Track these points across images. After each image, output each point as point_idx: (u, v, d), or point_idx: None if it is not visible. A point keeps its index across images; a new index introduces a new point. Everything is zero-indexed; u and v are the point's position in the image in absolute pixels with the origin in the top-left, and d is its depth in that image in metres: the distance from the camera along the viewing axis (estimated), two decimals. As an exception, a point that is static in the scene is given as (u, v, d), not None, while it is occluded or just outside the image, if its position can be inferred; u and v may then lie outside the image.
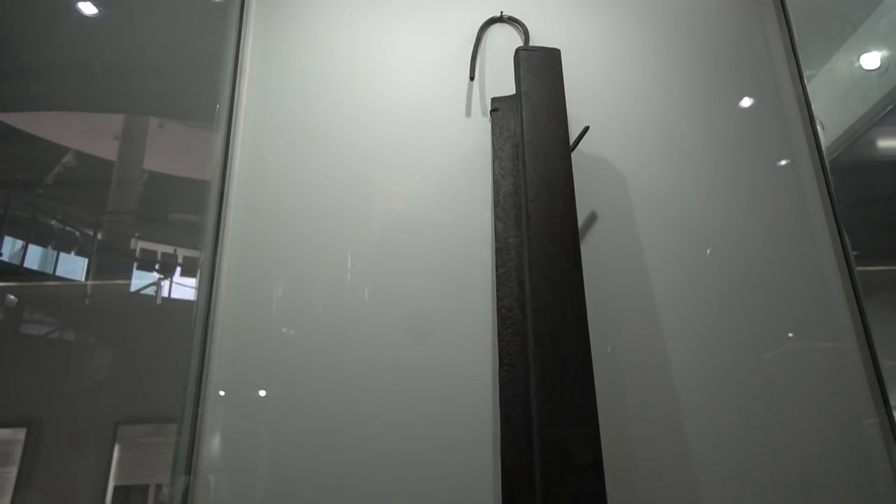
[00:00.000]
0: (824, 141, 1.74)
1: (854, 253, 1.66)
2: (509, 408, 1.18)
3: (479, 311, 1.47)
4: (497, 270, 1.33)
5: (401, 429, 1.38)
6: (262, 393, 1.45)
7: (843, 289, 1.59)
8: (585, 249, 1.44)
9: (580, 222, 1.45)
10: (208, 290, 1.53)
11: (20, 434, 4.27)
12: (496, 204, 1.41)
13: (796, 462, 1.41)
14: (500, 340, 1.25)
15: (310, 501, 1.32)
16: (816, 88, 1.82)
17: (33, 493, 4.21)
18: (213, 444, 1.39)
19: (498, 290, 1.31)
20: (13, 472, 4.22)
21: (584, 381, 1.15)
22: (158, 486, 4.19)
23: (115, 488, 4.20)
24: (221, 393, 1.45)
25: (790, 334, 1.55)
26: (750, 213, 1.65)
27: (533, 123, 1.27)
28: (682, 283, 1.53)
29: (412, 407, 1.39)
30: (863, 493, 1.38)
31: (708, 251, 1.59)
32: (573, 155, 1.41)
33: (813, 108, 1.77)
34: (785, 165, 1.71)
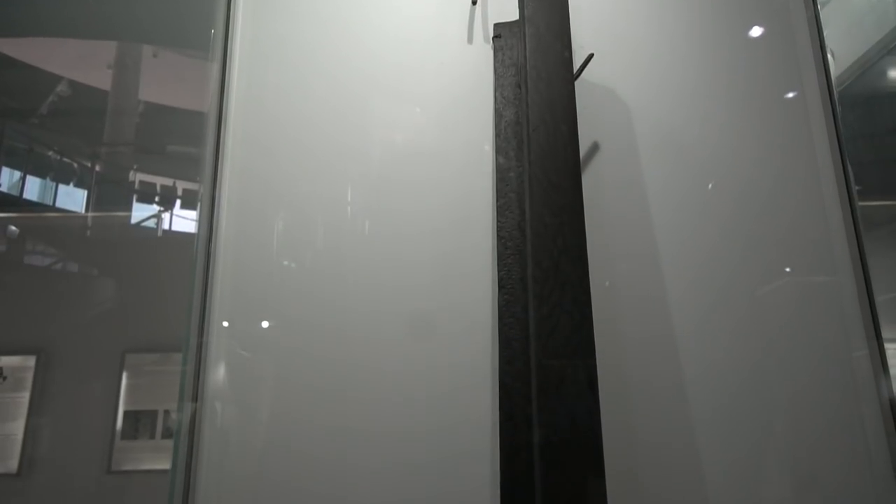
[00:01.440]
0: (834, 71, 1.69)
1: (857, 188, 1.65)
2: (508, 329, 1.21)
3: (479, 240, 1.48)
4: (497, 201, 1.33)
5: (400, 350, 1.41)
6: (265, 324, 1.48)
7: (844, 224, 1.58)
8: (587, 180, 1.43)
9: (582, 153, 1.44)
10: (208, 222, 1.53)
11: (30, 361, 4.39)
12: (497, 135, 1.39)
13: (784, 389, 1.45)
14: (500, 269, 1.27)
15: (314, 423, 1.36)
16: (829, 14, 1.76)
17: (46, 416, 4.36)
18: (218, 373, 1.42)
19: (498, 220, 1.32)
20: (25, 396, 4.36)
21: (581, 303, 1.16)
22: (166, 412, 4.33)
23: (125, 413, 4.35)
24: (225, 324, 1.47)
25: (787, 269, 1.56)
26: (754, 144, 1.62)
27: (537, 48, 1.23)
28: (682, 216, 1.53)
29: (412, 330, 1.42)
30: (849, 419, 1.42)
31: (710, 185, 1.58)
32: (577, 84, 1.38)
33: (825, 34, 1.71)
34: (792, 96, 1.67)
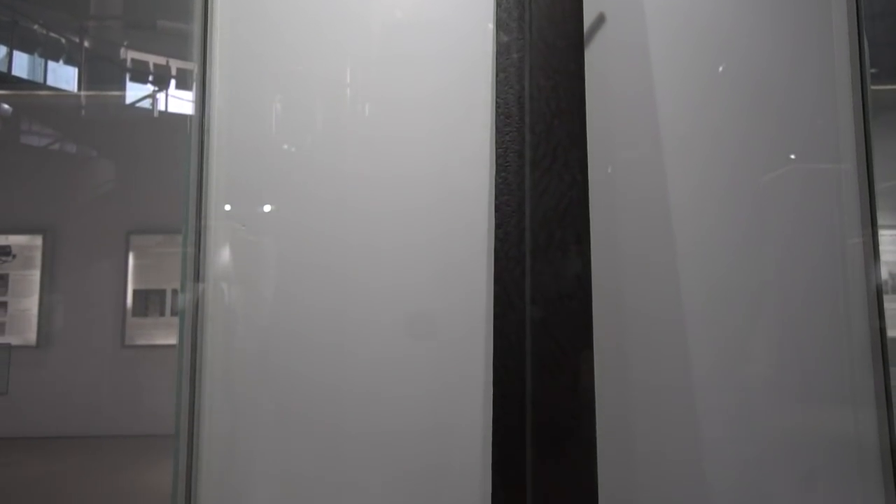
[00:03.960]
0: (862, -62, 1.58)
1: (872, 71, 1.59)
2: (499, 194, 1.20)
3: (478, 115, 1.45)
4: (497, 76, 1.29)
5: (399, 227, 1.44)
6: (267, 208, 1.48)
7: (853, 109, 1.54)
8: (590, 58, 1.38)
9: (586, 24, 1.37)
10: (202, 103, 1.49)
11: (37, 240, 4.49)
12: (498, 5, 1.33)
13: (776, 274, 1.48)
14: (498, 147, 1.25)
15: (317, 299, 1.41)
16: None
17: (58, 293, 4.52)
18: (222, 255, 1.45)
19: (497, 98, 1.28)
20: (36, 274, 4.51)
21: (574, 168, 1.15)
22: (174, 291, 4.49)
23: (135, 291, 4.52)
24: (227, 207, 1.47)
25: (792, 156, 1.54)
26: (769, 23, 1.55)
27: None
28: (689, 100, 1.49)
29: (410, 215, 1.43)
30: (834, 304, 1.46)
31: (720, 69, 1.53)
32: (585, -48, 1.29)
33: None
34: (815, -30, 1.57)
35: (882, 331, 1.48)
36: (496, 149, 1.21)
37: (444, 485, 1.36)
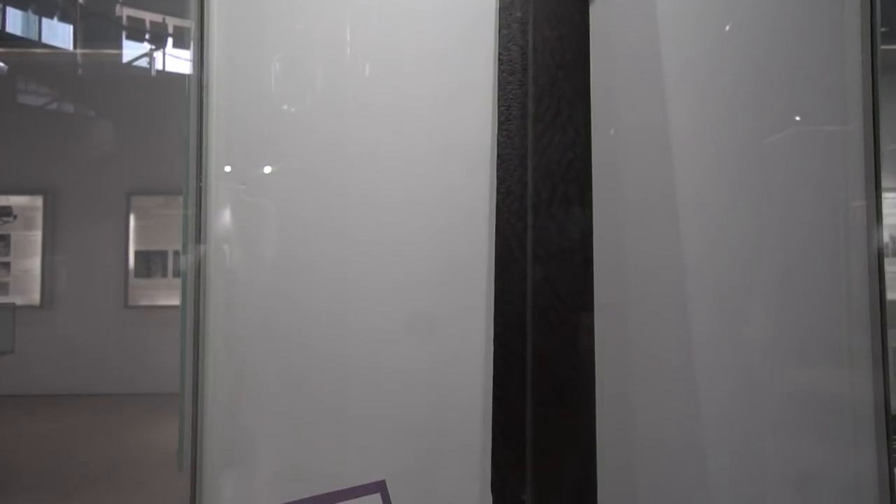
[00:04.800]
0: None
1: (882, 30, 1.56)
2: (502, 148, 1.19)
3: (481, 73, 1.43)
4: (500, 32, 1.27)
5: (399, 187, 1.43)
6: (268, 169, 1.47)
7: (862, 68, 1.51)
8: (592, 15, 1.36)
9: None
10: (199, 62, 1.47)
11: (38, 201, 4.49)
12: (501, -41, 1.30)
13: (777, 234, 1.48)
14: (500, 104, 1.24)
15: (318, 258, 1.41)
16: None
17: (60, 254, 4.54)
18: (224, 217, 1.45)
19: (501, 54, 1.26)
20: (38, 235, 4.53)
21: (578, 122, 1.14)
22: (176, 252, 4.51)
23: (137, 252, 4.54)
24: (227, 168, 1.47)
25: (798, 117, 1.52)
26: (779, -20, 1.51)
27: None
28: (694, 60, 1.46)
29: (411, 175, 1.43)
30: (834, 268, 1.47)
31: (727, 27, 1.50)
32: None
33: None
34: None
35: (882, 293, 1.49)
36: (499, 105, 1.20)
37: (445, 436, 1.39)
